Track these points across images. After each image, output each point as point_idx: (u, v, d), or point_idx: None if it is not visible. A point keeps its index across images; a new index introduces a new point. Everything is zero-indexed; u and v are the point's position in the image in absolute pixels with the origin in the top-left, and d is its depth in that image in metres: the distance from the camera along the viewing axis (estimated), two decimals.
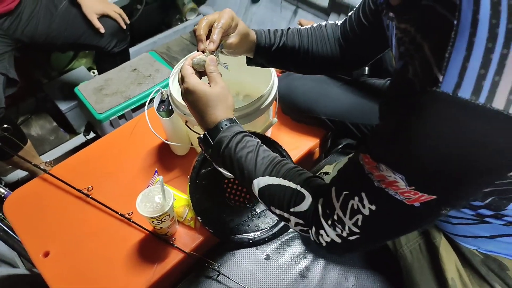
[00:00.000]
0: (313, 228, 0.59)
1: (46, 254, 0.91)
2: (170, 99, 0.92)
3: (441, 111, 0.40)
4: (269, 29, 0.83)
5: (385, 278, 0.82)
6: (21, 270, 1.17)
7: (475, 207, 0.59)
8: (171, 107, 0.95)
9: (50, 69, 1.95)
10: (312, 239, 0.61)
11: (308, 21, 1.16)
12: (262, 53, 0.82)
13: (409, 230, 0.59)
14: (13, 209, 1.02)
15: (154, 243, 0.91)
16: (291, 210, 0.61)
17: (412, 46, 0.45)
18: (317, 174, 0.96)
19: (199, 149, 1.01)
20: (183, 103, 0.85)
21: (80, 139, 1.75)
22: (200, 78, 0.67)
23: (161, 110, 0.97)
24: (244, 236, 0.89)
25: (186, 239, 0.92)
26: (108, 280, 0.87)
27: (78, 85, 1.44)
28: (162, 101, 0.99)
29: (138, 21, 2.02)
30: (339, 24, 0.88)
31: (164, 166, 1.06)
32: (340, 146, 1.15)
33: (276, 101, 0.97)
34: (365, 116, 1.01)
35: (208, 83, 0.66)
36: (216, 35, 0.68)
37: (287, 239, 0.89)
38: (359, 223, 0.53)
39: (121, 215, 0.94)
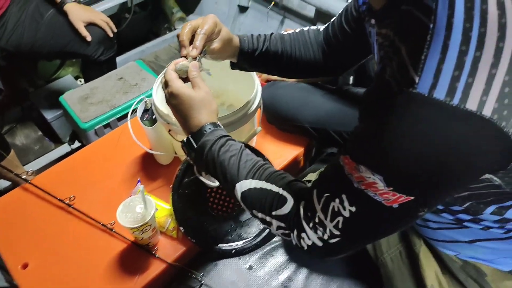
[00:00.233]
0: (295, 231, 0.59)
1: (25, 266, 0.90)
2: (153, 108, 0.92)
3: (417, 111, 0.40)
4: (252, 35, 0.84)
5: (367, 286, 0.82)
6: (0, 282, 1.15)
7: (454, 211, 0.60)
8: (155, 116, 0.95)
9: (36, 77, 1.93)
10: (294, 243, 0.61)
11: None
12: (245, 58, 0.83)
13: (388, 232, 0.59)
14: None
15: (136, 254, 0.90)
16: (273, 213, 0.61)
17: (390, 49, 0.45)
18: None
19: (183, 158, 1.01)
20: (167, 112, 0.86)
21: (65, 148, 1.73)
22: None
23: (144, 119, 0.97)
24: (227, 246, 0.88)
25: (169, 249, 0.91)
26: None
27: (64, 94, 1.43)
28: (146, 110, 0.99)
29: (126, 29, 2.01)
30: (321, 29, 0.90)
31: (147, 175, 1.06)
32: (324, 155, 1.15)
33: (260, 109, 0.97)
34: (348, 124, 1.01)
35: (192, 88, 0.67)
36: (199, 41, 0.68)
37: (269, 249, 0.88)
38: (340, 225, 0.53)
39: (103, 225, 0.93)
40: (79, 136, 1.48)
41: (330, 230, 0.55)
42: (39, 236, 0.95)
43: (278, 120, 1.11)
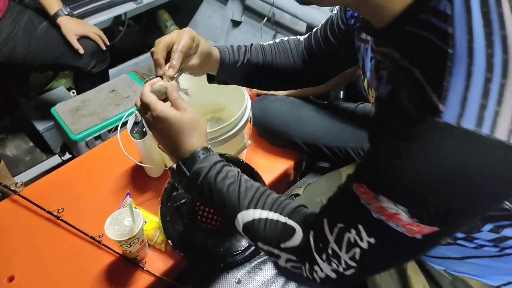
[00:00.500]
0: (307, 264, 0.56)
1: (11, 279, 0.89)
2: (143, 122, 0.93)
3: (444, 141, 0.39)
4: (231, 45, 0.81)
5: None
6: None
7: None
8: (145, 129, 0.95)
9: (29, 88, 1.93)
10: (305, 276, 0.57)
11: None
12: (226, 70, 0.79)
13: (408, 260, 0.57)
14: None
15: (124, 267, 0.89)
16: (282, 246, 0.57)
17: (399, 72, 0.44)
18: (289, 196, 0.98)
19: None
20: None
21: (56, 159, 1.72)
22: None
23: (134, 132, 0.97)
24: (215, 260, 0.88)
25: (157, 263, 0.91)
26: None
27: (55, 105, 1.43)
28: (136, 123, 1.00)
29: (120, 42, 2.03)
30: (301, 39, 0.89)
31: (137, 188, 1.06)
32: (315, 168, 1.16)
33: (250, 123, 0.98)
34: (339, 139, 1.02)
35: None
36: (175, 60, 0.63)
37: (258, 263, 0.88)
38: (357, 257, 0.50)
39: (91, 237, 0.93)
40: (70, 147, 1.48)
41: (345, 261, 0.52)
42: (26, 248, 0.95)
43: (269, 134, 1.12)
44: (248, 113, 0.94)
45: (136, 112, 0.99)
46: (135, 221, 0.81)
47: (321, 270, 0.54)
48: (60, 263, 0.91)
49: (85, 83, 1.62)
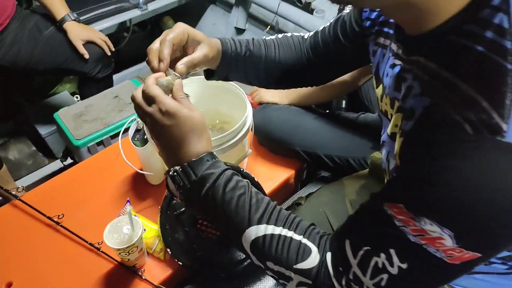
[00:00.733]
0: None
1: (9, 285, 0.89)
2: (145, 129, 0.93)
3: (507, 162, 0.37)
4: (232, 38, 0.78)
5: None
6: None
7: None
8: (146, 137, 0.95)
9: (33, 93, 1.94)
10: None
11: None
12: (228, 63, 0.75)
13: (437, 287, 0.53)
14: None
15: (123, 275, 0.89)
16: (295, 267, 0.52)
17: (438, 84, 0.42)
18: (290, 205, 0.97)
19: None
20: None
21: (58, 164, 1.72)
22: None
23: (136, 139, 0.97)
24: (215, 269, 0.87)
25: (156, 271, 0.90)
26: None
27: (58, 111, 1.44)
28: (137, 130, 1.00)
29: (124, 48, 2.04)
30: (306, 36, 0.86)
31: (137, 195, 1.06)
32: (316, 178, 1.16)
33: (251, 131, 0.98)
34: (340, 149, 1.02)
35: None
36: (165, 49, 0.59)
37: (258, 273, 0.88)
38: (383, 283, 0.47)
39: (90, 244, 0.92)
40: (72, 153, 1.48)
41: None
42: (25, 254, 0.94)
43: (270, 143, 1.12)
44: (249, 122, 0.94)
45: (138, 119, 0.99)
46: (134, 229, 0.81)
47: None
48: (59, 270, 0.91)
49: (90, 88, 1.63)
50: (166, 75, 0.58)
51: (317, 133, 1.04)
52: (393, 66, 0.58)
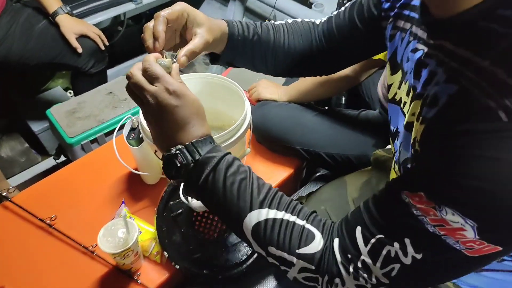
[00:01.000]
0: (326, 276, 0.50)
1: None
2: (140, 128, 0.90)
3: None
4: (240, 21, 0.74)
5: None
6: None
7: None
8: (142, 136, 0.92)
9: (25, 89, 1.90)
10: None
11: None
12: (234, 46, 0.72)
13: (448, 280, 0.52)
14: None
15: (118, 279, 0.87)
16: (298, 251, 0.50)
17: (470, 70, 0.41)
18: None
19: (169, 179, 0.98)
20: None
21: (51, 161, 1.68)
22: None
23: (130, 138, 0.94)
24: (213, 272, 0.85)
25: (152, 275, 0.88)
26: None
27: (51, 107, 1.40)
28: (132, 129, 0.96)
29: (119, 42, 2.00)
30: (317, 22, 0.82)
31: (132, 195, 1.03)
32: (316, 176, 1.14)
33: (250, 130, 0.96)
34: (340, 146, 1.00)
35: None
36: (159, 26, 0.55)
37: (257, 276, 0.86)
38: (393, 273, 0.45)
39: (84, 247, 0.90)
40: (65, 150, 1.44)
41: (377, 277, 0.46)
42: (17, 257, 0.91)
43: (269, 141, 1.09)
44: (248, 120, 0.91)
45: (133, 118, 0.96)
46: (130, 233, 0.78)
47: (343, 284, 0.49)
48: (52, 274, 0.88)
49: (83, 83, 1.59)
50: (162, 56, 0.56)
51: (317, 131, 1.02)
52: (414, 50, 0.56)
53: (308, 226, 0.51)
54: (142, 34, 0.58)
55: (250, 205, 0.51)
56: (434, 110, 0.45)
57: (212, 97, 1.03)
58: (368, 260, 0.47)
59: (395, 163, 0.62)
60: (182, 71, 0.63)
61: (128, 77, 0.53)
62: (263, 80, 1.19)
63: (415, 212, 0.43)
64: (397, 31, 0.65)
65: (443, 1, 0.45)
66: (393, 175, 0.67)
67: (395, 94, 0.65)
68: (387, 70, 0.71)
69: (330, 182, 0.93)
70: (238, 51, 0.73)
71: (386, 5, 0.68)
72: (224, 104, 1.05)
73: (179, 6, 0.59)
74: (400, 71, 0.64)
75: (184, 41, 0.63)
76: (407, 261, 0.44)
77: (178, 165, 0.52)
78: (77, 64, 1.50)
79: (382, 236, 0.46)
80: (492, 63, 0.39)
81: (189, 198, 0.81)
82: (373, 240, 0.47)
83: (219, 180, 0.52)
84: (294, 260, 0.50)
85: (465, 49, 0.42)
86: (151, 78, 0.51)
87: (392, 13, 0.67)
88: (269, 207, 0.51)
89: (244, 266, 0.86)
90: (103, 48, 1.52)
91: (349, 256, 0.48)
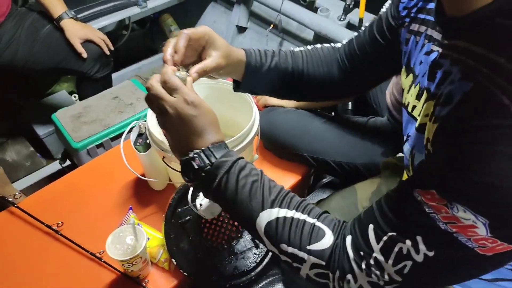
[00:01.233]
0: (337, 273, 0.51)
1: None
2: (148, 134, 0.89)
3: None
4: (258, 49, 0.77)
5: None
6: None
7: None
8: (149, 141, 0.92)
9: (30, 92, 1.90)
10: (331, 287, 0.52)
11: None
12: (252, 74, 0.75)
13: (463, 281, 0.52)
14: None
15: (125, 285, 0.86)
16: (309, 247, 0.52)
17: (486, 68, 0.40)
18: None
19: (178, 185, 0.97)
20: (161, 138, 0.82)
21: (56, 165, 1.68)
22: None
23: (138, 144, 0.94)
24: (221, 280, 0.84)
25: (160, 282, 0.87)
26: None
27: (56, 112, 1.40)
28: (140, 135, 0.96)
29: (123, 46, 2.01)
30: (338, 46, 0.83)
31: (139, 201, 1.02)
32: (323, 183, 1.13)
33: (258, 136, 0.95)
34: (348, 155, 0.99)
35: None
36: (181, 41, 0.60)
37: (266, 283, 0.85)
38: (406, 271, 0.46)
39: (91, 254, 0.89)
40: (71, 155, 1.44)
41: (389, 275, 0.47)
42: (24, 264, 0.91)
43: (276, 148, 1.08)
44: (256, 127, 0.90)
45: (141, 123, 0.95)
46: (138, 240, 0.78)
47: (355, 281, 0.50)
48: (59, 280, 0.88)
49: (88, 87, 1.59)
50: (178, 69, 0.59)
51: (326, 139, 1.01)
52: (429, 53, 0.57)
53: (318, 224, 0.53)
54: (163, 47, 0.62)
55: (261, 205, 0.54)
56: (447, 108, 0.45)
57: (219, 103, 1.03)
58: (380, 258, 0.47)
59: (406, 168, 0.62)
60: None
61: (148, 89, 0.57)
62: None
63: (427, 209, 0.43)
64: (411, 35, 0.65)
65: (459, 0, 0.45)
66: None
67: (405, 98, 0.65)
68: (402, 74, 0.70)
69: (339, 191, 0.93)
70: (256, 78, 0.76)
71: (403, 12, 0.69)
72: (232, 110, 1.05)
73: (203, 29, 0.64)
74: (411, 74, 0.64)
75: (199, 61, 0.66)
76: (419, 258, 0.45)
77: (196, 167, 0.55)
78: (82, 69, 1.50)
79: (394, 233, 0.47)
80: (508, 60, 0.39)
81: (198, 205, 0.80)
82: (385, 238, 0.47)
83: (232, 182, 0.55)
84: (306, 256, 0.52)
85: (481, 46, 0.42)
86: (170, 89, 0.55)
87: (407, 19, 0.68)
88: (280, 206, 0.54)
89: (253, 273, 0.85)
90: (108, 53, 1.52)
91: (362, 253, 0.49)
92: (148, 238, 0.88)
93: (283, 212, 0.53)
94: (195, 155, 0.55)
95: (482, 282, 0.60)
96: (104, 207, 1.01)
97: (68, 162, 1.53)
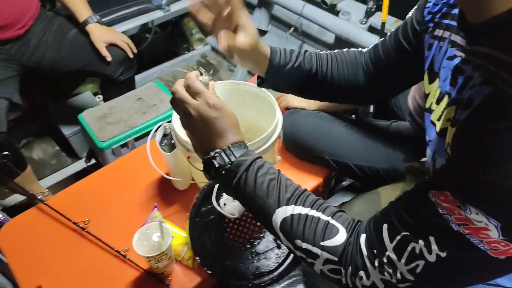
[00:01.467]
0: (349, 269, 0.52)
1: None
2: (173, 134, 0.91)
3: None
4: (285, 48, 0.78)
5: None
6: None
7: None
8: (174, 142, 0.94)
9: (56, 93, 1.96)
10: (344, 282, 0.53)
11: None
12: (275, 71, 0.76)
13: (475, 284, 0.51)
14: (8, 239, 1.00)
15: (149, 283, 0.88)
16: (322, 243, 0.53)
17: (507, 72, 0.41)
18: None
19: (200, 185, 0.99)
20: (186, 139, 0.84)
21: (81, 164, 1.73)
22: None
23: (163, 144, 0.96)
24: (243, 280, 0.86)
25: (183, 280, 0.89)
26: None
27: (82, 112, 1.44)
28: (165, 135, 0.98)
29: (146, 49, 2.05)
30: (364, 51, 0.84)
31: (163, 200, 1.04)
32: (343, 186, 1.13)
33: (280, 138, 0.96)
34: (370, 159, 0.99)
35: None
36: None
37: (287, 284, 0.86)
38: (418, 270, 0.46)
39: (116, 251, 0.92)
40: (96, 154, 1.48)
41: (401, 273, 0.48)
42: (53, 259, 0.94)
43: (298, 149, 1.09)
44: (279, 130, 0.91)
45: (166, 124, 0.98)
46: (164, 237, 0.80)
47: (368, 278, 0.50)
48: (86, 276, 0.91)
49: (112, 89, 1.63)
50: (201, 74, 0.62)
51: (348, 142, 1.01)
52: (452, 58, 0.57)
53: (332, 221, 0.54)
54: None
55: (278, 202, 0.56)
56: (467, 112, 0.46)
57: (242, 105, 1.05)
58: (393, 256, 0.48)
59: (428, 173, 0.63)
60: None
61: (173, 93, 0.60)
62: None
63: (440, 210, 0.44)
64: (435, 40, 0.66)
65: (477, 6, 0.45)
66: None
67: (431, 103, 0.65)
68: (424, 80, 0.70)
69: (362, 194, 0.92)
70: (278, 76, 0.77)
71: (428, 17, 0.69)
72: (254, 112, 1.06)
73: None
74: (437, 79, 0.64)
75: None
76: (432, 258, 0.45)
77: (216, 165, 0.58)
78: (106, 72, 1.54)
79: (408, 233, 0.47)
80: None
81: (222, 205, 0.82)
82: (398, 237, 0.48)
83: (250, 180, 0.57)
84: (319, 252, 0.54)
85: (501, 52, 0.43)
86: (194, 93, 0.59)
87: (431, 24, 0.68)
88: (295, 204, 0.55)
89: (275, 274, 0.86)
90: (131, 56, 1.55)
91: (375, 251, 0.50)
92: (172, 236, 0.90)
93: (298, 209, 0.55)
94: (216, 154, 0.58)
95: None
96: (129, 206, 1.04)
97: (93, 161, 1.57)
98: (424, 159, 0.90)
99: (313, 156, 1.05)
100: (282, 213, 0.56)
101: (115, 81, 1.58)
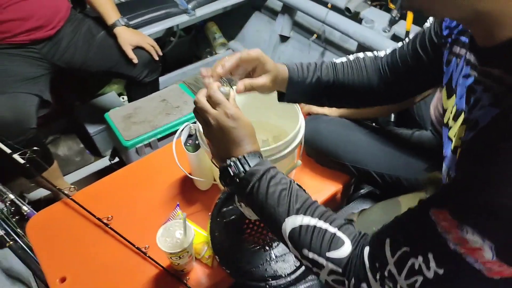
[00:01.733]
0: (352, 280, 0.53)
1: (63, 280, 0.91)
2: (198, 135, 0.94)
3: None
4: (301, 63, 0.82)
5: None
6: None
7: None
8: (198, 142, 0.96)
9: (83, 93, 2.02)
10: None
11: None
12: (295, 88, 0.81)
13: None
14: (36, 230, 1.03)
15: (168, 281, 0.90)
16: (328, 254, 0.55)
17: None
18: None
19: (221, 186, 1.01)
20: (206, 148, 0.86)
21: (104, 162, 1.78)
22: None
23: (188, 144, 0.99)
24: (260, 281, 0.87)
25: (202, 278, 0.91)
26: None
27: (109, 111, 1.48)
28: (189, 136, 1.01)
29: (170, 52, 2.09)
30: (380, 55, 0.86)
31: (185, 199, 1.07)
32: (363, 193, 1.13)
33: (301, 143, 0.97)
34: (391, 167, 0.99)
35: None
36: (229, 61, 0.67)
37: None
38: (417, 285, 0.48)
39: (137, 248, 0.94)
40: (119, 152, 1.52)
41: (401, 287, 0.49)
42: (77, 252, 0.97)
43: (319, 155, 1.10)
44: (301, 135, 0.93)
45: (191, 124, 1.00)
46: (186, 235, 0.82)
47: None
48: (108, 270, 0.93)
49: (137, 91, 1.67)
50: (222, 84, 0.66)
51: (369, 149, 1.01)
52: (467, 76, 0.58)
53: (339, 233, 0.56)
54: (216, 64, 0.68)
55: (287, 212, 0.58)
56: (472, 133, 0.47)
57: (265, 109, 1.06)
58: (394, 271, 0.49)
59: None
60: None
61: (195, 102, 0.64)
62: None
63: (439, 229, 0.45)
64: (453, 57, 0.66)
65: (487, 31, 0.46)
66: None
67: (449, 119, 0.66)
68: (443, 94, 0.71)
69: (382, 202, 0.93)
70: (298, 91, 0.82)
71: (446, 32, 0.70)
72: (276, 117, 1.08)
73: (255, 53, 0.70)
74: (454, 95, 0.65)
75: (248, 76, 0.74)
76: (430, 274, 0.46)
77: (232, 174, 0.61)
78: (132, 74, 1.58)
79: (408, 248, 0.48)
80: None
81: (243, 205, 0.83)
82: (399, 252, 0.49)
83: (262, 189, 0.60)
84: (324, 262, 0.55)
85: (510, 74, 0.44)
86: (214, 103, 0.62)
87: (449, 40, 0.69)
88: (304, 214, 0.58)
89: (292, 277, 0.87)
90: (157, 58, 1.59)
91: (377, 264, 0.51)
92: (194, 234, 0.92)
93: (306, 220, 0.57)
94: (232, 163, 0.61)
95: None
96: (151, 204, 1.07)
97: (116, 159, 1.61)
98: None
99: (333, 162, 1.06)
100: (291, 222, 0.58)
101: (140, 83, 1.62)
